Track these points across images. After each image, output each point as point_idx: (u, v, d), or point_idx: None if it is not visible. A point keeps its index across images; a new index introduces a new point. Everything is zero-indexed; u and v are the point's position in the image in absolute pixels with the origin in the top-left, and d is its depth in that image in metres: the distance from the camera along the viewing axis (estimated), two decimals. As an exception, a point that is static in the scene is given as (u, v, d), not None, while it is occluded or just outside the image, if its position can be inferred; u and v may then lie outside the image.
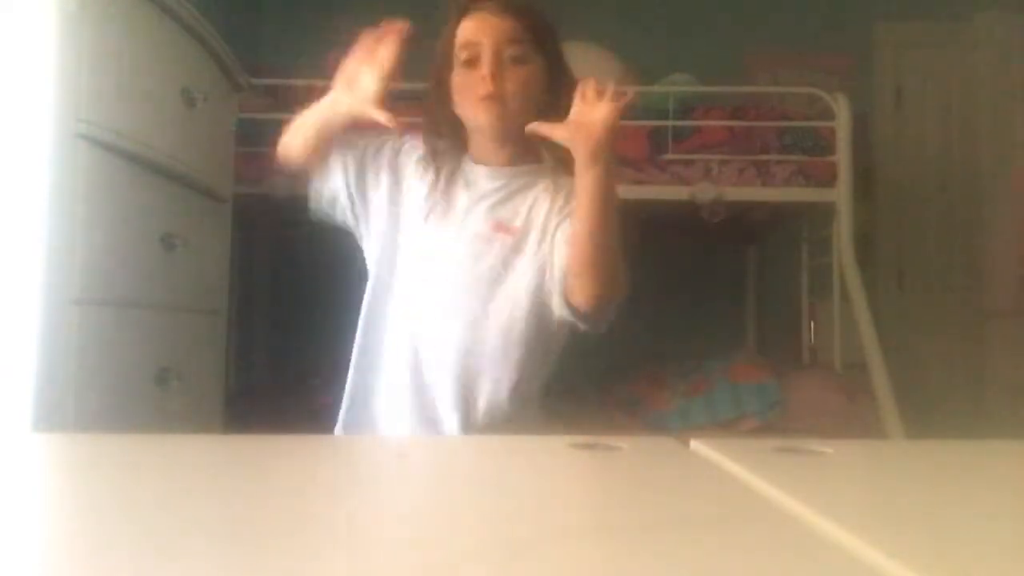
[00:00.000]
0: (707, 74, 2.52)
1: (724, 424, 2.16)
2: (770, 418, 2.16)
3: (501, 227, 1.14)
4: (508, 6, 1.13)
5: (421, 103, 1.25)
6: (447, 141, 1.19)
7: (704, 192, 2.23)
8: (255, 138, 2.16)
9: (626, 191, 2.29)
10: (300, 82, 2.40)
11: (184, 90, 1.46)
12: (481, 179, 1.17)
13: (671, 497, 0.35)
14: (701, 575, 0.24)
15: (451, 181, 1.17)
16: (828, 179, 2.29)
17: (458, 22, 1.14)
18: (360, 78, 1.11)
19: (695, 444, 0.46)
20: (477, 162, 1.19)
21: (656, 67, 2.53)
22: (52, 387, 1.11)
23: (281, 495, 0.35)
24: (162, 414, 1.38)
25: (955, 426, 2.79)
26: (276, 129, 2.43)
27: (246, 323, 2.82)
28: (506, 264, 1.13)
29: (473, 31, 1.13)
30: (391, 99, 1.15)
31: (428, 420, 1.12)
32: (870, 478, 0.43)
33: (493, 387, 1.11)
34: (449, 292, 1.14)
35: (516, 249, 1.13)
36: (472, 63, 1.12)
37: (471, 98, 1.12)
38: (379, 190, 1.20)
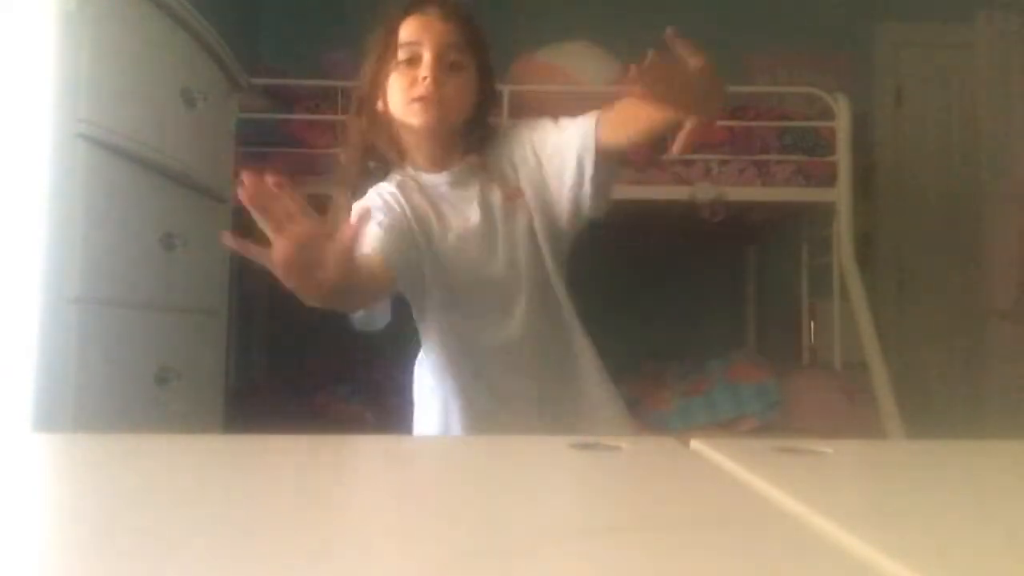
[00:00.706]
0: (707, 74, 2.52)
1: (724, 424, 2.16)
2: (770, 418, 2.16)
3: (508, 199, 1.16)
4: (452, 12, 1.14)
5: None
6: (382, 145, 1.18)
7: (704, 192, 2.23)
8: (255, 138, 2.16)
9: (626, 191, 2.29)
10: (300, 82, 2.41)
11: (184, 90, 1.46)
12: (458, 182, 1.17)
13: (671, 497, 0.35)
14: (701, 575, 0.24)
15: (428, 189, 1.17)
16: (828, 179, 2.29)
17: (400, 20, 1.13)
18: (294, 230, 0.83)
19: (695, 444, 0.46)
20: (429, 171, 1.18)
21: (656, 67, 2.52)
22: (52, 387, 1.11)
23: (281, 495, 0.35)
24: (162, 414, 1.38)
25: (955, 426, 2.79)
26: (276, 129, 2.42)
27: (246, 323, 2.82)
28: (528, 216, 1.15)
29: (416, 31, 1.12)
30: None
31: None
32: (870, 478, 0.43)
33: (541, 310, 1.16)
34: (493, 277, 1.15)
35: (529, 205, 1.16)
36: (411, 63, 1.11)
37: (406, 98, 1.11)
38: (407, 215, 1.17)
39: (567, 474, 0.41)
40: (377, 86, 1.15)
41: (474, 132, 1.19)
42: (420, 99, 1.09)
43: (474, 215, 1.16)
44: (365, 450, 0.53)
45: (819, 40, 3.16)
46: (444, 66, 1.11)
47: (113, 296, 1.26)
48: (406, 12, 1.14)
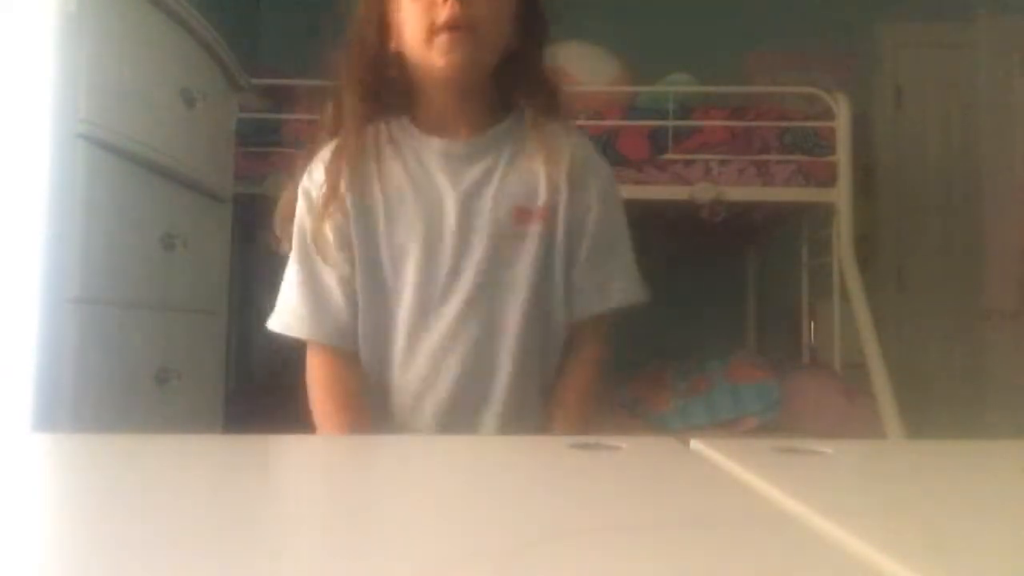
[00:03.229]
0: (707, 74, 2.52)
1: (724, 424, 2.16)
2: (770, 418, 2.16)
3: (526, 212, 0.87)
4: None
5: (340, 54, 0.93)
6: (383, 101, 0.89)
7: (704, 192, 2.23)
8: (255, 138, 2.16)
9: (626, 191, 2.29)
10: (300, 82, 2.41)
11: (184, 90, 1.46)
12: (457, 159, 0.89)
13: (671, 497, 0.35)
14: (701, 575, 0.24)
15: (410, 161, 0.89)
16: (828, 179, 2.29)
17: None
18: None
19: (695, 444, 0.46)
20: (435, 134, 0.90)
21: (656, 67, 2.53)
22: (52, 387, 1.11)
23: (281, 495, 0.35)
24: (162, 414, 1.38)
25: (955, 426, 2.78)
26: (276, 129, 2.42)
27: (246, 323, 2.82)
28: (538, 251, 0.88)
29: None
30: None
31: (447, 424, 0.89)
32: (870, 478, 0.43)
33: (510, 384, 0.88)
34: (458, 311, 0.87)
35: (549, 233, 0.88)
36: None
37: (424, 29, 0.83)
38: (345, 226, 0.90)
39: (567, 474, 0.41)
40: (380, 24, 0.88)
41: (515, 79, 0.91)
42: (446, 27, 0.82)
43: (453, 211, 0.87)
44: (365, 449, 0.53)
45: (819, 40, 3.16)
46: None
47: (113, 296, 1.26)
48: None
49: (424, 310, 0.87)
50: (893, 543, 0.26)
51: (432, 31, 0.83)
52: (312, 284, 0.91)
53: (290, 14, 3.31)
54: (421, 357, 0.88)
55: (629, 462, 0.44)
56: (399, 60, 0.88)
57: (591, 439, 0.46)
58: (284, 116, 2.24)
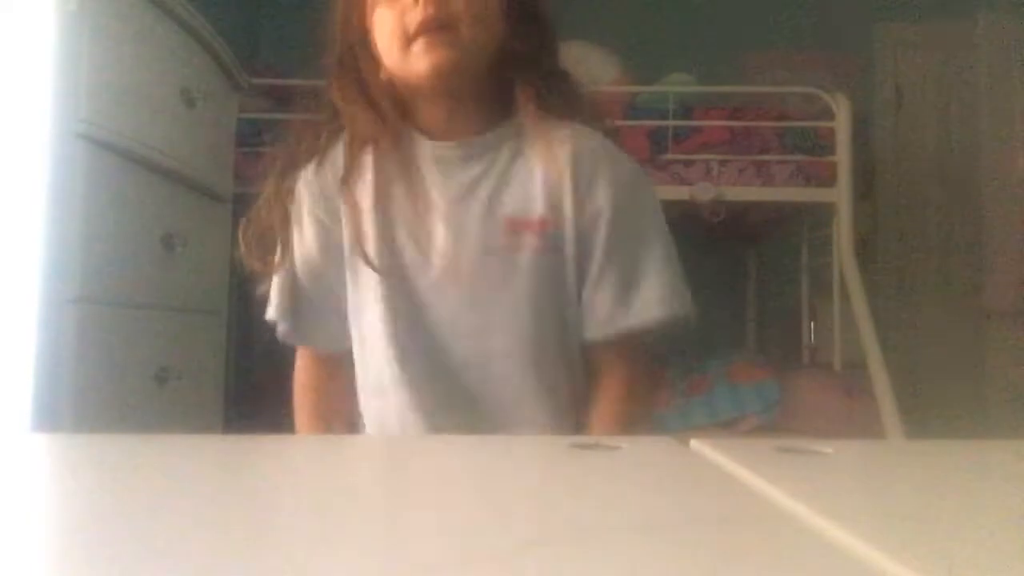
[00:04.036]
0: (707, 74, 2.52)
1: (724, 424, 2.16)
2: (770, 418, 2.16)
3: (520, 224, 0.79)
4: None
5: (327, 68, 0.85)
6: (374, 112, 0.81)
7: (704, 192, 2.23)
8: (255, 138, 2.17)
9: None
10: (300, 82, 2.41)
11: (184, 90, 1.46)
12: (448, 163, 0.81)
13: (671, 497, 0.35)
14: (701, 575, 0.24)
15: (405, 169, 0.81)
16: (828, 179, 2.29)
17: None
18: None
19: (695, 444, 0.46)
20: (431, 136, 0.82)
21: (656, 67, 2.53)
22: (51, 387, 1.11)
23: (281, 495, 0.35)
24: (162, 414, 1.38)
25: (955, 426, 2.78)
26: (276, 129, 2.43)
27: (246, 323, 2.82)
28: (536, 269, 0.79)
29: None
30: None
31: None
32: (870, 478, 0.43)
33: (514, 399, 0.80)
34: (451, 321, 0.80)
35: (551, 248, 0.79)
36: None
37: (401, 40, 0.76)
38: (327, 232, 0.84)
39: (567, 474, 0.41)
40: (360, 29, 0.81)
41: (519, 78, 0.80)
42: (423, 30, 0.75)
43: (440, 222, 0.79)
44: (364, 450, 0.53)
45: (819, 40, 3.16)
46: None
47: (113, 296, 1.26)
48: None
49: (405, 332, 0.80)
50: (893, 543, 0.26)
51: (408, 38, 0.76)
52: (300, 286, 0.87)
53: (290, 14, 3.31)
54: (407, 382, 0.81)
55: (629, 462, 0.44)
56: (390, 81, 0.81)
57: (591, 439, 0.46)
58: (284, 116, 2.24)
